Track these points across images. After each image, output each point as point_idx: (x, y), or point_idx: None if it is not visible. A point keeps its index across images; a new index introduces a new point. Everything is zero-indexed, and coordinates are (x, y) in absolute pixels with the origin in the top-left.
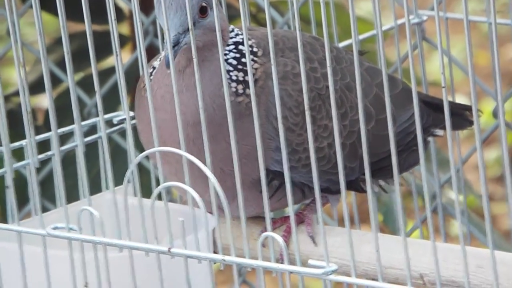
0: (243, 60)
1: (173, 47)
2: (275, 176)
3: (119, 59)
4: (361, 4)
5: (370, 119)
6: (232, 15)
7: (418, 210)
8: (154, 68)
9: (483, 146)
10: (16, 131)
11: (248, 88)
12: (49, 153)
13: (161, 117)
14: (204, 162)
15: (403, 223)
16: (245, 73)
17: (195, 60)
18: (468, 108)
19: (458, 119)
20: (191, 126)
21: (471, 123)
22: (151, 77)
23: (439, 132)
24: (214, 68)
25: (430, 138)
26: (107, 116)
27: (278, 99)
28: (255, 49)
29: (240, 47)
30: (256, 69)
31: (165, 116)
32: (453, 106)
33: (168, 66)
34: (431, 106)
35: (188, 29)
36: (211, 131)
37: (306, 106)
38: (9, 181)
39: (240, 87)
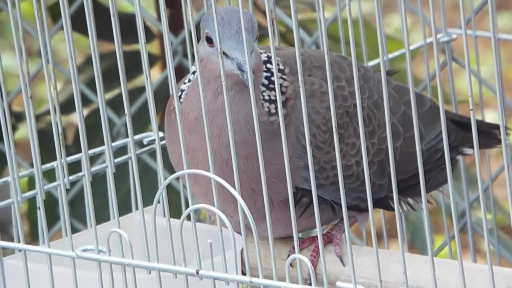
0: (273, 79)
1: (240, 69)
2: (305, 193)
3: (149, 82)
4: (391, 20)
5: (398, 137)
6: (262, 35)
7: (447, 228)
8: (182, 91)
9: None
10: (46, 149)
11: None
12: (79, 174)
13: (195, 139)
14: (240, 182)
15: (431, 242)
16: None
17: (251, 85)
18: (497, 127)
19: (487, 137)
20: (225, 147)
21: (499, 141)
22: (181, 100)
23: (468, 151)
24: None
25: (459, 157)
26: (137, 137)
27: (306, 117)
28: (281, 67)
29: (269, 65)
30: (286, 87)
31: (199, 138)
32: (482, 125)
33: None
34: (460, 125)
35: (250, 54)
36: (244, 152)
37: (334, 124)
38: (40, 203)
39: (272, 106)
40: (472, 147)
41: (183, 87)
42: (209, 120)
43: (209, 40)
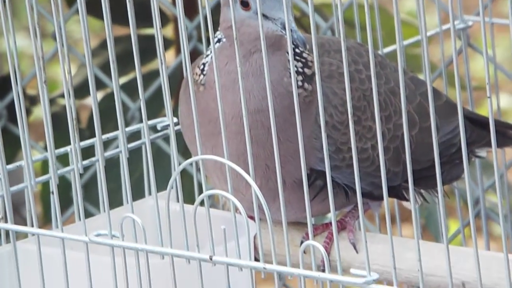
0: (297, 51)
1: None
2: (319, 176)
3: (164, 67)
4: (404, 3)
5: (414, 126)
6: None
7: (461, 214)
8: (203, 64)
9: None
10: (60, 133)
11: (307, 82)
12: (93, 159)
13: (218, 108)
14: (256, 154)
15: (445, 230)
16: (304, 64)
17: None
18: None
19: (501, 137)
20: (251, 114)
21: None
22: (204, 73)
23: (482, 153)
24: (279, 57)
25: (473, 159)
26: (150, 122)
27: (320, 97)
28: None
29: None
30: (312, 61)
31: (224, 106)
32: (497, 124)
33: (304, 45)
34: (475, 123)
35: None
36: (268, 122)
37: (349, 105)
38: (54, 187)
39: (299, 78)
40: (486, 145)
41: (204, 60)
42: (237, 83)
43: (245, 4)
